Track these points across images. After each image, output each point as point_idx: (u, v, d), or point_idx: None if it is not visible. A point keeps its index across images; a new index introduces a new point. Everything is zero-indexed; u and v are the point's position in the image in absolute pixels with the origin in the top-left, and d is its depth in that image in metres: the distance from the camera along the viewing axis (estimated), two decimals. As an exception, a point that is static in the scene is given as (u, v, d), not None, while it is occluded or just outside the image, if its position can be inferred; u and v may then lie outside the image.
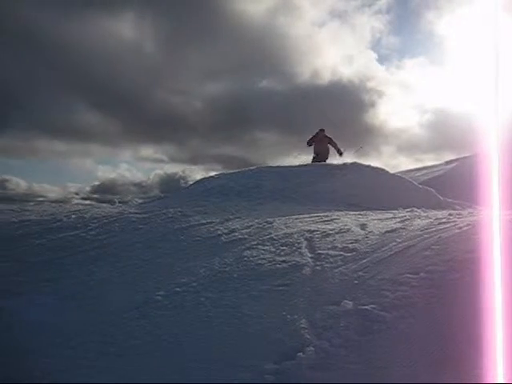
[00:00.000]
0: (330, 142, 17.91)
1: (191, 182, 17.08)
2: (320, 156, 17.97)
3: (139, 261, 7.59)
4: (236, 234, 8.49)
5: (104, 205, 14.32)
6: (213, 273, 6.81)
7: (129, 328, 5.62)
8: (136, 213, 10.37)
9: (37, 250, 8.38)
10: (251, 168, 16.35)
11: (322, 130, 17.99)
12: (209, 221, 9.50)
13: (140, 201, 14.81)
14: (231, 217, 9.85)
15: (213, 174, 16.35)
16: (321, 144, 17.98)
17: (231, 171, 16.76)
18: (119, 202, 14.17)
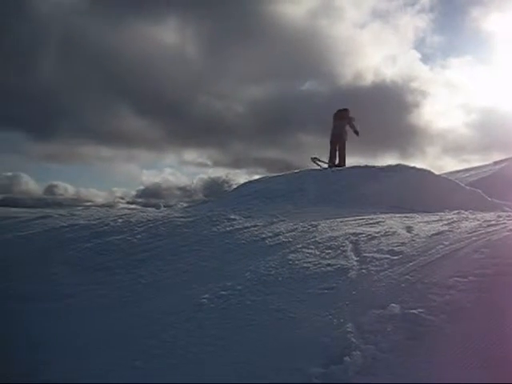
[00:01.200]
0: (350, 122, 16.80)
1: (235, 186, 17.18)
2: (333, 136, 16.85)
3: (185, 264, 7.66)
4: (281, 237, 8.47)
5: (149, 209, 14.51)
6: (258, 276, 6.82)
7: (175, 331, 5.68)
8: (181, 217, 10.48)
9: (85, 253, 8.57)
10: (295, 171, 16.32)
11: (342, 110, 16.96)
12: (253, 224, 9.51)
13: (185, 205, 15.00)
14: (276, 220, 9.84)
15: (256, 177, 16.43)
16: (336, 123, 16.86)
17: (275, 174, 16.75)
18: (164, 206, 14.33)
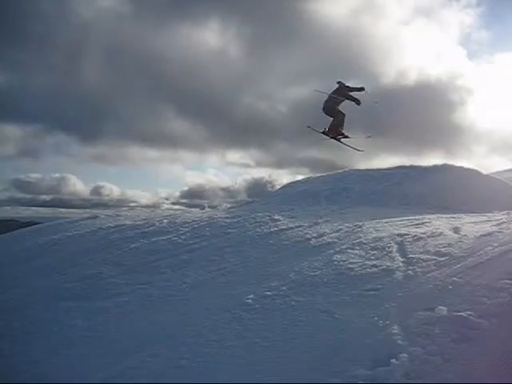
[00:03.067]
0: (346, 94, 14.25)
1: (278, 186, 17.15)
2: (324, 108, 14.24)
3: (229, 265, 7.72)
4: (325, 237, 8.45)
5: (193, 209, 14.65)
6: (302, 277, 6.82)
7: (221, 330, 5.72)
8: (225, 217, 10.55)
9: (132, 253, 8.72)
10: (339, 171, 16.22)
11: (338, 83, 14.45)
12: (297, 225, 9.51)
13: (228, 205, 15.05)
14: (320, 220, 9.81)
15: (299, 177, 16.37)
16: (327, 99, 14.24)
17: (318, 175, 16.67)
18: (208, 207, 14.44)
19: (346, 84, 14.53)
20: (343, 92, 14.34)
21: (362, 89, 14.51)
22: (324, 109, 14.49)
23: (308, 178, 16.38)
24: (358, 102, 14.42)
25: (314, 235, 8.66)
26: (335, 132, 14.39)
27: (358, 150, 14.32)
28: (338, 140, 14.32)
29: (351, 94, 14.28)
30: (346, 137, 14.43)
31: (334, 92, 14.23)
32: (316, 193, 13.55)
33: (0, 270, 9.18)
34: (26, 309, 7.15)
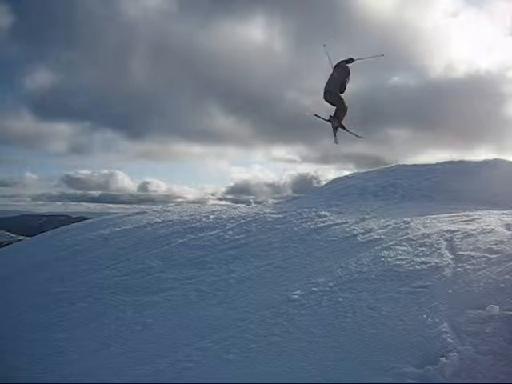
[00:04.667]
0: (347, 76, 12.73)
1: (324, 182, 17.06)
2: (325, 94, 12.78)
3: (276, 260, 7.73)
4: (372, 233, 8.37)
5: (240, 205, 14.71)
6: (349, 273, 6.78)
7: (268, 325, 5.75)
8: (272, 213, 10.56)
9: (179, 248, 8.83)
10: (386, 167, 16.01)
11: (349, 60, 12.96)
12: (344, 221, 9.45)
13: (275, 201, 15.08)
14: (367, 216, 9.73)
15: (345, 173, 16.17)
16: (329, 79, 12.80)
17: (365, 170, 16.50)
18: (254, 203, 14.49)
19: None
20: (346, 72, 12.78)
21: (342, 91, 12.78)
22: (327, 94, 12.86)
23: (354, 173, 16.22)
24: (342, 91, 12.68)
25: (361, 231, 8.59)
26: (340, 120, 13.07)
27: (358, 137, 13.51)
28: (344, 128, 13.46)
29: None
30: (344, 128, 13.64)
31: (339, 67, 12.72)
32: (363, 188, 13.41)
33: (52, 263, 9.43)
34: (78, 302, 7.33)
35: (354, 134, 13.21)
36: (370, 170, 16.26)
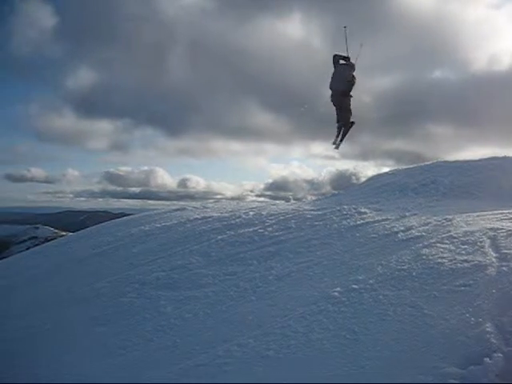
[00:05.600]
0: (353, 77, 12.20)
1: (363, 179, 16.88)
2: (333, 93, 12.32)
3: (316, 257, 7.70)
4: (413, 231, 8.26)
5: (278, 202, 14.70)
6: (390, 271, 6.71)
7: (308, 322, 5.75)
8: (311, 210, 10.53)
9: (219, 245, 8.88)
10: (427, 163, 15.73)
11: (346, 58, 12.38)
12: (384, 218, 9.35)
13: (313, 198, 15.00)
14: (407, 214, 9.60)
15: (384, 169, 15.98)
16: (335, 77, 12.31)
17: (405, 167, 16.25)
18: (293, 199, 14.44)
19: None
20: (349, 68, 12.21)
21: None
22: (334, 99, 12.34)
23: (394, 170, 16.01)
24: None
25: (402, 228, 8.48)
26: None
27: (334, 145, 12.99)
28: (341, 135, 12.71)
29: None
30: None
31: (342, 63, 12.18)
32: (403, 185, 13.22)
33: (94, 259, 9.62)
34: (119, 296, 7.46)
35: (336, 143, 12.92)
36: (411, 166, 16.03)
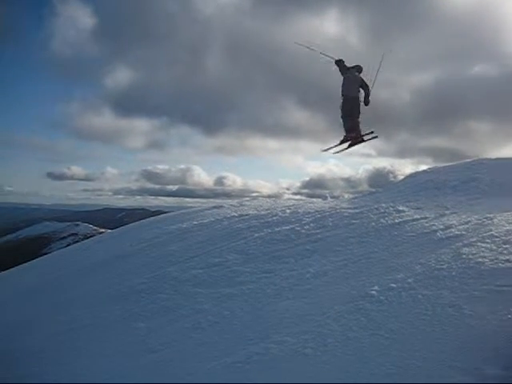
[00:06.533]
0: (363, 85, 12.43)
1: (401, 176, 16.71)
2: (346, 100, 12.45)
3: (353, 256, 7.66)
4: (453, 229, 8.12)
5: (315, 200, 14.64)
6: (429, 270, 6.61)
7: (345, 321, 5.72)
8: (348, 208, 10.46)
9: (256, 242, 8.91)
10: (467, 160, 15.46)
11: (357, 67, 12.57)
12: (423, 216, 9.22)
13: (351, 196, 14.91)
14: (447, 212, 9.45)
15: (423, 167, 15.75)
16: (350, 83, 12.40)
17: (444, 164, 16.02)
18: (330, 197, 14.37)
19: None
20: (360, 81, 12.37)
21: (368, 103, 12.51)
22: (344, 98, 12.43)
23: (433, 167, 15.78)
24: (367, 103, 12.43)
25: (441, 227, 8.35)
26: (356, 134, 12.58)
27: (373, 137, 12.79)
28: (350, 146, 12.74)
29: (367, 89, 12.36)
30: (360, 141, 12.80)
31: (349, 75, 12.27)
32: (442, 183, 13.00)
33: (133, 256, 9.76)
34: (157, 293, 7.56)
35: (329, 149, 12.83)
36: (450, 164, 15.79)
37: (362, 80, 12.38)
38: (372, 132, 12.62)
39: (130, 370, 5.66)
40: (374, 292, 6.22)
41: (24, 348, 6.85)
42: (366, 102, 12.34)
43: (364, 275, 6.89)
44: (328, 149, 13.08)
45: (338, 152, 13.04)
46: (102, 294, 8.13)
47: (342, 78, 12.50)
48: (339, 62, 12.52)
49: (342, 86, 12.37)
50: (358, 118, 12.48)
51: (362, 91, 12.45)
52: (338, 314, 5.88)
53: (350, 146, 12.73)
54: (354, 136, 12.61)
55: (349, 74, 12.40)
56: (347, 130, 12.54)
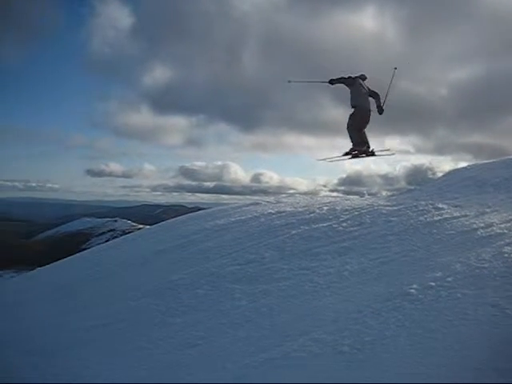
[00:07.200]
0: (373, 95, 12.31)
1: (440, 174, 16.43)
2: (359, 111, 12.09)
3: (391, 253, 7.58)
4: (494, 228, 7.96)
5: (352, 197, 14.51)
6: (469, 268, 6.50)
7: (383, 319, 5.67)
8: (386, 205, 10.34)
9: (293, 239, 8.88)
10: (509, 157, 15.14)
11: (361, 77, 12.37)
12: (463, 214, 9.05)
13: (388, 193, 14.74)
14: (488, 210, 9.25)
15: (462, 164, 15.50)
16: (361, 94, 12.18)
17: (485, 161, 15.68)
18: (368, 194, 14.24)
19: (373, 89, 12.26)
20: (369, 91, 12.16)
21: (382, 111, 12.07)
22: (356, 109, 12.09)
23: (473, 164, 15.47)
24: (381, 111, 12.13)
25: (482, 225, 8.19)
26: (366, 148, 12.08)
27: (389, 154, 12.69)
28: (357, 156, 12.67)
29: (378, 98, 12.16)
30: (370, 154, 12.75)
31: (357, 85, 11.95)
32: (483, 180, 12.72)
33: (171, 251, 9.84)
34: (195, 288, 7.61)
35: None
36: (491, 160, 15.45)
37: (369, 89, 12.32)
38: (388, 149, 12.46)
39: (168, 364, 5.71)
40: (412, 290, 6.14)
41: (59, 343, 6.95)
42: (381, 111, 12.23)
43: (402, 273, 6.81)
44: (327, 159, 13.03)
45: (333, 160, 12.99)
46: (140, 289, 8.21)
47: (348, 89, 12.41)
48: (338, 80, 12.40)
49: (355, 98, 12.21)
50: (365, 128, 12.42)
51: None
52: (375, 312, 5.83)
53: (353, 157, 12.63)
54: (363, 150, 12.56)
55: (357, 84, 12.30)
56: (356, 144, 12.47)
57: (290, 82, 12.59)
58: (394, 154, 12.74)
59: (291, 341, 5.59)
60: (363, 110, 12.11)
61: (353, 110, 12.18)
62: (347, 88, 12.23)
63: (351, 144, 12.35)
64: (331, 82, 12.37)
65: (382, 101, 12.17)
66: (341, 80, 12.30)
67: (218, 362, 5.52)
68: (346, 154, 12.61)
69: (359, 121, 12.20)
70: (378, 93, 12.29)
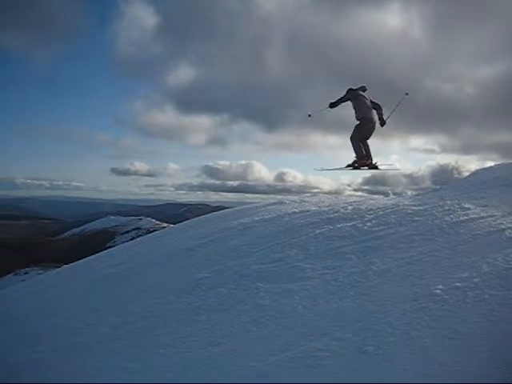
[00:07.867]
0: (375, 106, 12.80)
1: (466, 173, 16.28)
2: (366, 122, 12.65)
3: (416, 253, 7.51)
4: (523, 228, 7.85)
5: (377, 196, 14.43)
6: (496, 269, 6.43)
7: (408, 319, 5.63)
8: (411, 205, 10.27)
9: (317, 239, 8.85)
10: (538, 156, 14.91)
11: (362, 88, 12.88)
12: (490, 214, 8.95)
13: (414, 193, 14.63)
14: (516, 210, 9.13)
15: (489, 164, 15.33)
16: (365, 105, 12.63)
17: (512, 161, 15.48)
18: (393, 194, 14.14)
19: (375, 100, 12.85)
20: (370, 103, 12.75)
21: (384, 123, 12.83)
22: (363, 121, 12.68)
23: (501, 163, 15.29)
24: (383, 123, 12.79)
25: (510, 225, 8.08)
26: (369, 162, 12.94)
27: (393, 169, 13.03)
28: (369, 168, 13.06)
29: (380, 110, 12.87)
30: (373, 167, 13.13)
31: (360, 99, 12.58)
32: (510, 180, 12.56)
33: (195, 250, 9.89)
34: (218, 287, 7.63)
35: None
36: (519, 160, 15.25)
37: (371, 100, 12.60)
38: (393, 165, 12.84)
39: (192, 362, 5.74)
40: (438, 291, 6.09)
41: (86, 340, 7.03)
42: (383, 123, 12.59)
43: (428, 274, 6.75)
44: (325, 169, 13.31)
45: (331, 170, 13.26)
46: (165, 286, 8.26)
47: (351, 103, 12.72)
48: (338, 101, 12.85)
49: (361, 110, 12.56)
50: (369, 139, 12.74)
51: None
52: (400, 313, 5.80)
53: (355, 168, 12.88)
54: (366, 164, 12.83)
55: (360, 96, 12.56)
56: (360, 157, 12.79)
57: (310, 116, 13.07)
58: (399, 170, 13.04)
59: (315, 340, 5.58)
60: (369, 122, 12.33)
61: (358, 122, 12.39)
62: (350, 102, 12.43)
63: (354, 156, 12.59)
64: (331, 106, 12.62)
65: (384, 115, 12.44)
66: (342, 100, 12.56)
67: (242, 360, 5.54)
68: (349, 165, 12.83)
69: (364, 132, 12.42)
70: (380, 104, 12.50)
